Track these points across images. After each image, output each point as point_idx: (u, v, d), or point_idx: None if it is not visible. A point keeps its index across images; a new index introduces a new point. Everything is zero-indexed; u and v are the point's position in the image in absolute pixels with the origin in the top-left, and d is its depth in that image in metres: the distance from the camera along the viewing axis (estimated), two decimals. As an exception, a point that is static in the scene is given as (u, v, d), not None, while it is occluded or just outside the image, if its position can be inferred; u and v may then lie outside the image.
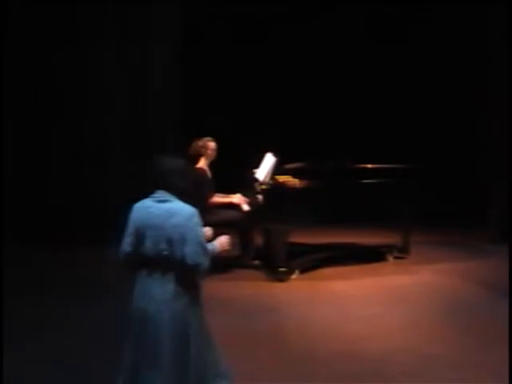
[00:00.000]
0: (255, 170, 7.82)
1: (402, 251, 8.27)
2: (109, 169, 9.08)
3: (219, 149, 7.57)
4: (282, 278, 7.40)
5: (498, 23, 8.80)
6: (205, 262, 3.81)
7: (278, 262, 7.48)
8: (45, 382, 4.95)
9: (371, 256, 8.18)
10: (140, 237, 3.87)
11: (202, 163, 7.53)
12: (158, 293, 3.83)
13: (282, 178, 7.64)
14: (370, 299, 6.85)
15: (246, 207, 7.60)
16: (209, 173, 7.56)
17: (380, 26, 10.02)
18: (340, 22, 9.99)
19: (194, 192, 7.08)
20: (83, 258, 8.21)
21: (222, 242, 4.07)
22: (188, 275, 3.86)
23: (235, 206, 7.61)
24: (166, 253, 3.79)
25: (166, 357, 3.82)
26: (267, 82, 9.96)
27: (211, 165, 7.62)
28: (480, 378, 5.00)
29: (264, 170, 7.68)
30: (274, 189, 7.50)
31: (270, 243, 7.86)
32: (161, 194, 3.88)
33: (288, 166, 7.78)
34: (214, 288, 6.89)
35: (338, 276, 7.56)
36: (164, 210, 3.82)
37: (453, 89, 9.96)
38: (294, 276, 7.48)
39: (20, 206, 8.82)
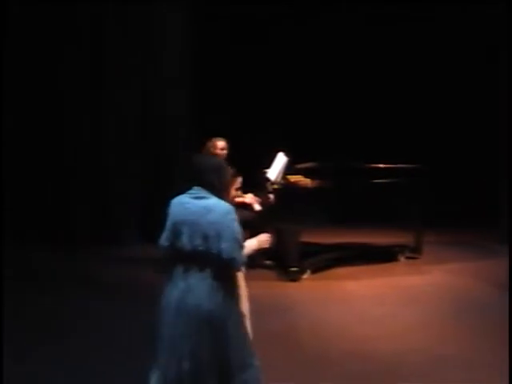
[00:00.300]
0: (267, 170, 7.80)
1: (414, 251, 8.26)
2: (109, 168, 9.04)
3: (231, 149, 7.51)
4: (293, 277, 7.39)
5: (499, 23, 8.78)
6: (240, 257, 3.87)
7: (289, 261, 7.47)
8: (45, 382, 4.92)
9: (383, 256, 8.15)
10: (176, 232, 3.91)
11: (213, 163, 7.47)
12: (196, 287, 3.86)
13: (293, 178, 7.64)
14: (381, 299, 6.81)
15: (257, 207, 7.54)
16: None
17: (380, 26, 9.94)
18: (340, 22, 9.92)
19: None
20: (83, 257, 8.21)
21: (262, 239, 4.12)
22: (224, 270, 3.89)
23: (247, 206, 7.54)
24: (201, 248, 3.85)
25: (206, 350, 3.85)
26: (269, 82, 9.91)
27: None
28: (492, 379, 4.97)
29: (276, 169, 7.67)
30: (285, 188, 7.49)
31: (282, 243, 7.79)
32: (197, 191, 3.94)
33: (299, 166, 7.77)
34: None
35: (349, 276, 7.54)
36: (200, 207, 3.88)
37: (457, 89, 9.96)
38: (305, 276, 7.46)
39: (20, 206, 8.76)
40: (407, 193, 7.78)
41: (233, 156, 7.52)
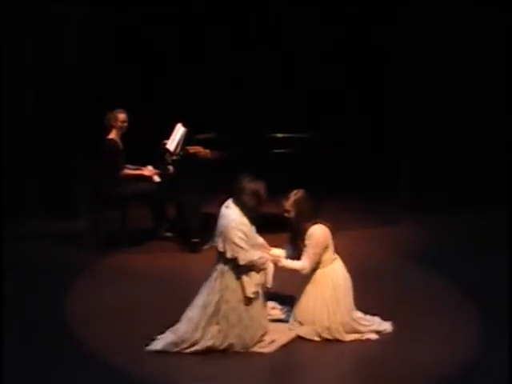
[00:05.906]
0: (166, 142, 7.80)
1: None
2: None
3: (131, 120, 7.54)
4: (194, 249, 7.42)
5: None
6: (239, 256, 5.17)
7: (191, 233, 7.49)
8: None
9: (281, 226, 8.01)
10: None
11: (114, 135, 7.52)
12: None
13: (192, 149, 7.60)
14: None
15: (157, 179, 7.60)
16: (120, 144, 7.54)
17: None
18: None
19: (106, 163, 7.02)
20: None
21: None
22: (230, 262, 5.24)
23: (146, 178, 7.60)
24: (215, 243, 5.31)
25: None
26: (166, 56, 9.74)
27: (123, 136, 7.58)
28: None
29: (174, 140, 7.66)
30: (184, 160, 7.50)
31: (183, 214, 7.82)
32: (230, 202, 5.30)
33: (198, 137, 7.77)
34: (128, 260, 7.14)
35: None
36: (223, 214, 5.28)
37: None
38: (206, 247, 7.34)
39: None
40: (304, 162, 7.78)
41: (132, 128, 7.57)
